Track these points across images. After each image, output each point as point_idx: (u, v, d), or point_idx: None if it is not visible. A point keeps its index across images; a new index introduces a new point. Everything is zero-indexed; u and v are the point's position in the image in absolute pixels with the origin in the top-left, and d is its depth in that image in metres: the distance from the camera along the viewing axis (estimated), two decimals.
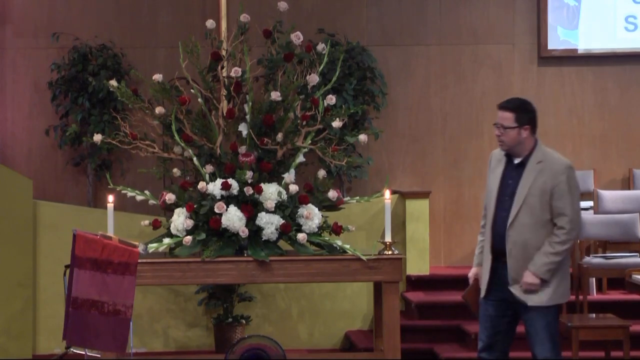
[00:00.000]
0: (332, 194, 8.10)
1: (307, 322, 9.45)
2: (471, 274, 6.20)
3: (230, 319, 9.06)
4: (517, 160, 6.00)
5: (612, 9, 10.79)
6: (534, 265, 5.85)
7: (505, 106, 6.05)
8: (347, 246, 7.87)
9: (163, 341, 9.36)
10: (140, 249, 7.41)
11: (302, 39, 8.32)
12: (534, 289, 5.86)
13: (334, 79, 8.46)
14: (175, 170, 8.36)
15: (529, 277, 5.86)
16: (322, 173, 8.29)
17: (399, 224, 9.55)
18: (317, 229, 7.93)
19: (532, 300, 5.90)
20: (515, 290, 5.91)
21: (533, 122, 6.01)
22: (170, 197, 8.03)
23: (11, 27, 10.61)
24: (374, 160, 10.44)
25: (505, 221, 5.92)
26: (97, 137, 8.37)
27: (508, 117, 6.00)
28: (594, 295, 9.32)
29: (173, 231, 7.95)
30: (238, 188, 7.91)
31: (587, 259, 9.13)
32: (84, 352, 7.82)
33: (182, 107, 8.15)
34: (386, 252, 7.82)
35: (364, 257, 7.75)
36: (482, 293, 6.05)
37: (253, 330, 9.10)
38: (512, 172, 5.99)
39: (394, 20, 10.79)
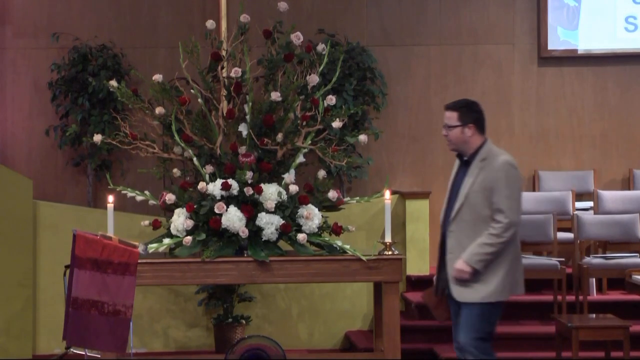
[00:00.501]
0: (332, 194, 8.10)
1: (307, 322, 9.45)
2: (435, 277, 6.29)
3: (230, 319, 9.06)
4: (465, 159, 6.13)
5: (612, 9, 10.79)
6: (466, 253, 5.93)
7: (449, 106, 6.17)
8: (347, 246, 7.86)
9: (163, 341, 9.36)
10: (140, 249, 7.41)
11: (302, 39, 8.32)
12: (465, 278, 5.92)
13: (334, 79, 8.46)
14: (175, 170, 8.36)
15: (459, 264, 5.95)
16: (322, 173, 8.29)
17: (399, 224, 9.55)
18: (317, 229, 7.92)
19: (465, 297, 5.99)
20: (454, 285, 6.01)
21: (478, 122, 6.11)
22: (170, 198, 8.03)
23: (11, 27, 10.62)
24: (374, 160, 10.44)
25: (449, 218, 6.06)
26: (97, 138, 8.37)
27: (452, 117, 6.11)
28: (594, 296, 9.32)
29: (173, 231, 7.95)
30: (238, 188, 7.90)
31: (587, 259, 9.13)
32: (84, 352, 7.82)
33: (182, 107, 8.15)
34: (386, 253, 7.82)
35: (364, 258, 7.75)
36: (433, 288, 6.25)
37: (253, 331, 9.10)
38: (461, 171, 6.14)
39: (394, 20, 10.79)
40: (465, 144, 6.08)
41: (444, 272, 6.14)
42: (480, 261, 5.91)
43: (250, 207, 7.82)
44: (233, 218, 7.77)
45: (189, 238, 7.78)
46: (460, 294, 6.00)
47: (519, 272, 6.12)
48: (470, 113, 6.10)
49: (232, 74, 8.16)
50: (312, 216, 7.89)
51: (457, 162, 6.23)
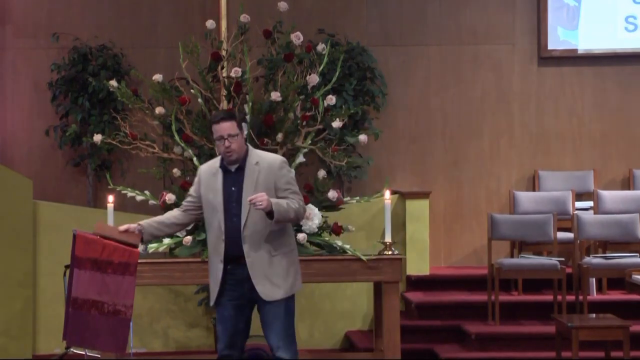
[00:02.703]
0: (332, 194, 8.10)
1: (307, 322, 9.45)
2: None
3: None
4: (234, 167, 6.13)
5: (612, 9, 10.79)
6: (274, 200, 5.98)
7: (224, 117, 6.15)
8: (347, 246, 7.86)
9: (163, 341, 9.36)
10: (140, 249, 7.41)
11: (302, 39, 8.32)
12: (259, 204, 5.90)
13: (334, 79, 8.47)
14: (175, 170, 8.36)
15: (259, 195, 5.94)
16: (322, 173, 8.29)
17: (399, 224, 9.55)
18: (317, 229, 7.93)
19: (273, 295, 6.07)
20: (260, 287, 6.05)
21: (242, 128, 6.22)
22: (170, 197, 8.03)
23: (11, 27, 10.62)
24: (374, 160, 10.44)
25: (238, 226, 6.06)
26: (97, 137, 8.38)
27: (232, 126, 6.10)
28: (594, 296, 9.32)
29: None
30: None
31: (587, 259, 9.13)
32: (84, 352, 7.83)
33: (182, 107, 8.16)
34: (386, 253, 7.82)
35: (364, 258, 7.75)
36: (214, 298, 6.19)
37: (253, 331, 9.09)
38: (233, 179, 6.11)
39: (394, 20, 10.79)
40: (242, 151, 6.13)
41: (233, 276, 6.12)
42: (278, 210, 5.96)
43: None
44: None
45: (189, 238, 7.78)
46: (268, 293, 6.07)
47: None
48: (240, 121, 6.19)
49: (232, 74, 8.17)
50: (312, 216, 7.89)
51: (213, 175, 6.15)
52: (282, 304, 6.12)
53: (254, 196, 5.93)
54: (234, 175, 6.12)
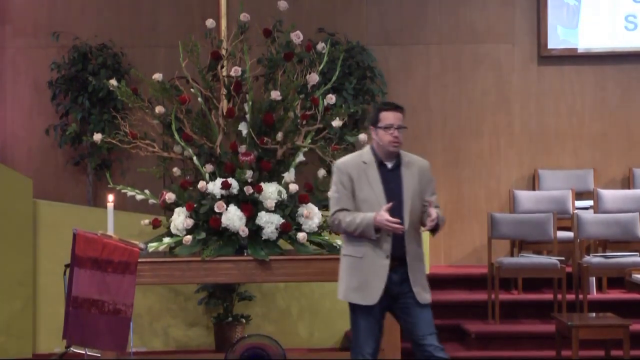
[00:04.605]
0: None
1: (307, 322, 9.45)
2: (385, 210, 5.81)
3: (230, 318, 9.06)
4: (391, 164, 5.94)
5: (612, 8, 10.79)
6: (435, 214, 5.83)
7: (397, 107, 5.98)
8: None
9: (163, 340, 9.36)
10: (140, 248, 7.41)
11: (302, 38, 8.32)
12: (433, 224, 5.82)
13: (334, 78, 8.46)
14: (175, 169, 8.36)
15: (435, 213, 5.83)
16: (322, 172, 8.29)
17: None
18: (317, 228, 7.92)
19: (427, 298, 5.99)
20: (417, 289, 5.92)
21: None
22: (170, 197, 8.03)
23: (11, 27, 10.62)
24: None
25: (404, 224, 5.82)
26: (97, 137, 8.37)
27: (401, 117, 5.94)
28: (594, 295, 9.32)
29: (173, 230, 7.95)
30: (238, 187, 7.90)
31: (587, 258, 9.13)
32: (84, 352, 7.83)
33: (182, 106, 8.15)
34: None
35: None
36: (377, 297, 5.88)
37: (253, 330, 9.10)
38: (391, 175, 5.91)
39: (394, 19, 10.79)
40: None
41: (390, 281, 5.89)
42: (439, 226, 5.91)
43: (250, 206, 7.82)
44: (233, 217, 7.76)
45: (189, 237, 7.78)
46: (424, 296, 5.96)
47: None
48: None
49: (232, 73, 8.16)
50: (312, 215, 7.89)
51: (365, 169, 5.89)
52: (429, 307, 5.98)
53: (436, 215, 5.79)
54: (390, 171, 5.90)
